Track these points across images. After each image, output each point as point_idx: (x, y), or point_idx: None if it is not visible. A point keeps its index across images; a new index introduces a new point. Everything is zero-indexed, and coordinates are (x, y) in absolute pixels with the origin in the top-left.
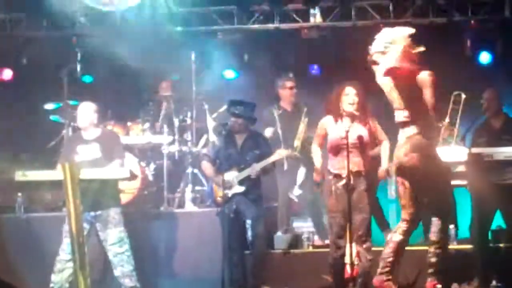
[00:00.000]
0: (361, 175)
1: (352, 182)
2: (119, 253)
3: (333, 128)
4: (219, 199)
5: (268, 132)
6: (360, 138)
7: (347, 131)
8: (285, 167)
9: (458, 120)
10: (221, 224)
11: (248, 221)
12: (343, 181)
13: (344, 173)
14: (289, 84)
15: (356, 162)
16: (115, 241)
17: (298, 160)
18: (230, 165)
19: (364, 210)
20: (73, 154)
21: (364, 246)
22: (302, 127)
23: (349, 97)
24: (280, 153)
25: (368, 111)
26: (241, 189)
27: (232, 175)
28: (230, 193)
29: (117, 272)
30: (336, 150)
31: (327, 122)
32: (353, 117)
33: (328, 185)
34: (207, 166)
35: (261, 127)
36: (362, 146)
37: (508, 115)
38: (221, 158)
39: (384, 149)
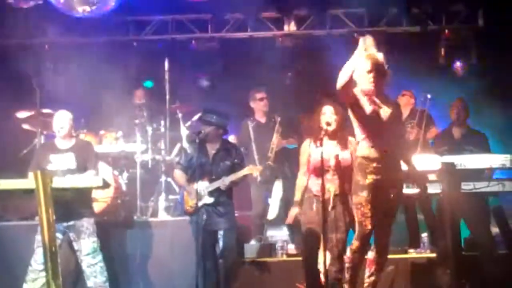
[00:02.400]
0: (342, 196)
1: (329, 205)
2: (92, 264)
3: (313, 150)
4: (189, 208)
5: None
6: (338, 160)
7: (322, 151)
8: (259, 178)
9: (424, 121)
10: (193, 233)
11: (220, 232)
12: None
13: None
14: (259, 95)
15: (337, 184)
16: (88, 251)
17: (273, 171)
18: (202, 175)
19: (341, 230)
20: (46, 163)
21: (336, 266)
22: (275, 137)
23: (327, 115)
24: (250, 169)
25: (347, 131)
26: (210, 200)
27: (203, 186)
28: (200, 203)
29: (90, 283)
30: (317, 172)
31: (307, 146)
32: (332, 137)
33: (309, 201)
34: (179, 175)
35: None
36: (342, 168)
37: (470, 126)
38: (194, 167)
39: None
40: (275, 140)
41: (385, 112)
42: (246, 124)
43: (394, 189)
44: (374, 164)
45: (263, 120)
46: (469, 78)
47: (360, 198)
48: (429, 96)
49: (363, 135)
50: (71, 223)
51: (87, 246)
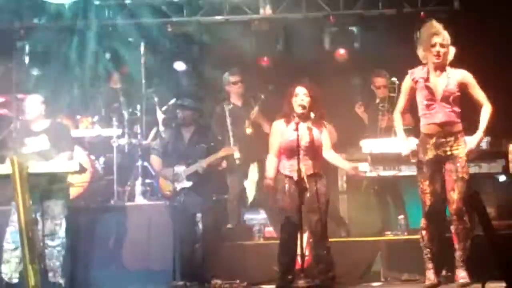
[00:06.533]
0: (315, 176)
1: (305, 184)
2: (50, 246)
3: (285, 130)
4: (167, 192)
5: None
6: (312, 141)
7: (298, 135)
8: (237, 162)
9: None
10: (171, 217)
11: (198, 215)
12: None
13: (295, 176)
14: (233, 79)
15: (309, 164)
16: (47, 232)
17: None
18: (178, 159)
19: (318, 211)
20: (21, 145)
21: (321, 246)
22: (254, 111)
23: (299, 97)
24: (226, 150)
25: (322, 112)
26: (188, 184)
27: (180, 169)
28: (178, 187)
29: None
30: (289, 153)
31: (278, 126)
32: (305, 119)
33: (282, 184)
34: (155, 160)
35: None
36: (314, 148)
37: None
38: (170, 152)
39: (333, 158)
40: (255, 112)
41: (439, 87)
42: (222, 107)
43: (453, 165)
44: (433, 140)
45: (239, 103)
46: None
47: (421, 175)
48: (397, 82)
49: (422, 111)
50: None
51: (48, 227)
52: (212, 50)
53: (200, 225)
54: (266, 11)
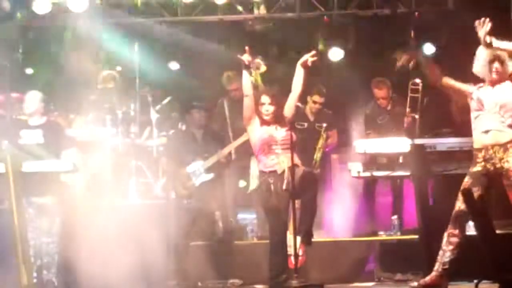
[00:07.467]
0: (294, 167)
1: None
2: (46, 243)
3: (257, 129)
4: (184, 192)
5: None
6: (285, 135)
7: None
8: (233, 156)
9: (419, 108)
10: (176, 213)
11: (217, 213)
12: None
13: (279, 168)
14: (231, 87)
15: (289, 157)
16: (45, 230)
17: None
18: (193, 158)
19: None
20: (17, 138)
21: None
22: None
23: (264, 107)
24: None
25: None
26: (208, 177)
27: (197, 165)
28: (197, 182)
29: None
30: (266, 149)
31: (254, 123)
32: (273, 122)
33: (266, 184)
34: (167, 162)
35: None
36: (291, 142)
37: None
38: (182, 153)
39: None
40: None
41: (489, 98)
42: (222, 103)
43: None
44: (482, 153)
45: (237, 98)
46: (440, 61)
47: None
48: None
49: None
50: (35, 199)
51: (45, 224)
52: (206, 49)
53: (220, 224)
54: (261, 11)
